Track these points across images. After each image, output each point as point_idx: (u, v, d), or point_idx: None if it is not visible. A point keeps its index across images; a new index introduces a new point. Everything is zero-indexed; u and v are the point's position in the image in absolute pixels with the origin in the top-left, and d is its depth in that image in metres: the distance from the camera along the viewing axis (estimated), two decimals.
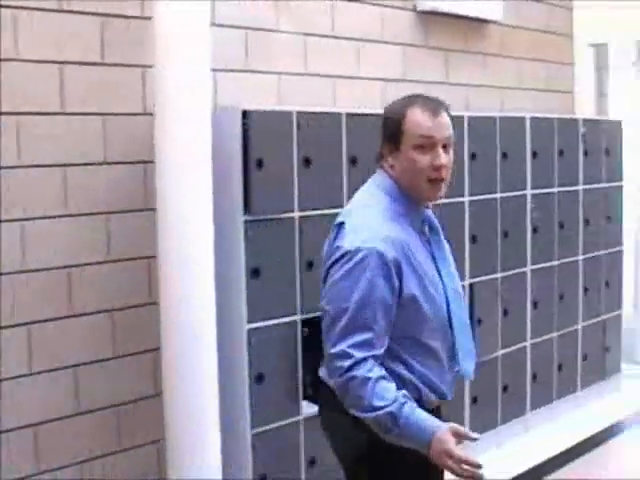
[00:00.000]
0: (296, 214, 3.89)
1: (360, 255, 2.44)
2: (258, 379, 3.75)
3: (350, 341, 2.42)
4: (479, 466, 2.32)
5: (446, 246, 2.73)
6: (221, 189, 3.62)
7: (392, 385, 2.42)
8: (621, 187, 6.18)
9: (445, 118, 2.57)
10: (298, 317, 3.90)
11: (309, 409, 3.91)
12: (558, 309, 5.57)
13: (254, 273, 3.73)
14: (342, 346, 2.42)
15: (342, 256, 2.47)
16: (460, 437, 2.37)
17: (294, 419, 3.92)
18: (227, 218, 3.69)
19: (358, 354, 2.40)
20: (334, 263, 2.50)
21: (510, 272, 5.16)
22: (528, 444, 5.22)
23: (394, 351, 2.52)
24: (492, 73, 5.99)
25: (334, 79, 4.83)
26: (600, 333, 6.04)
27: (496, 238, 5.06)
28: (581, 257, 5.75)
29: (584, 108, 6.69)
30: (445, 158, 2.54)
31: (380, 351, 2.45)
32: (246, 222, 3.70)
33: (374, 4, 5.08)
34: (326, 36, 4.81)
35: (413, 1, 5.32)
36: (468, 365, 2.70)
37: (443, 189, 2.58)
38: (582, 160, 5.73)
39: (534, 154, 5.28)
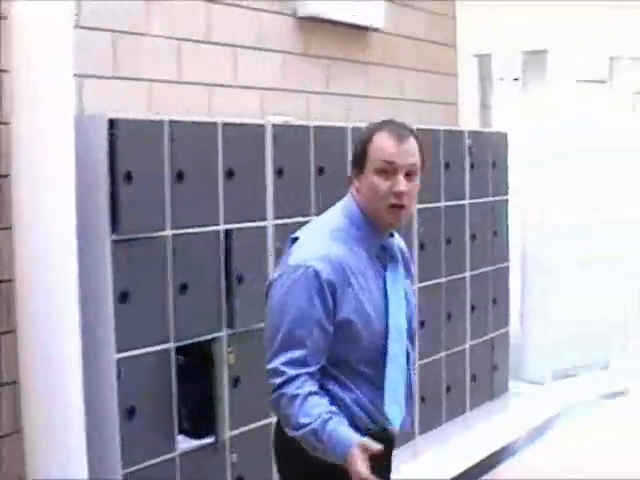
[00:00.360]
0: (169, 232, 3.67)
1: (298, 272, 2.48)
2: (129, 413, 3.51)
3: (283, 358, 2.45)
4: None
5: (406, 281, 2.72)
6: (86, 205, 3.38)
7: (322, 401, 2.45)
8: (507, 201, 6.17)
9: (411, 145, 2.58)
10: (172, 344, 3.68)
11: (185, 444, 3.70)
12: (446, 328, 5.50)
13: (123, 297, 3.50)
14: (275, 363, 2.46)
15: (283, 272, 2.53)
16: (369, 450, 2.34)
17: (169, 456, 3.70)
18: (93, 237, 3.46)
19: (290, 371, 2.44)
20: (275, 279, 2.55)
21: None
22: (417, 471, 5.11)
23: (329, 370, 2.54)
24: (374, 83, 5.90)
25: (210, 87, 4.64)
26: (488, 352, 6.01)
27: None
28: (468, 274, 5.70)
29: (468, 120, 6.67)
30: (405, 185, 2.54)
31: (314, 368, 2.47)
32: (114, 242, 3.47)
33: (252, 8, 4.91)
34: (201, 41, 4.61)
35: (293, 6, 5.17)
36: (393, 411, 2.63)
37: (403, 216, 2.59)
38: (468, 173, 5.68)
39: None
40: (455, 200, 5.55)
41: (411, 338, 2.71)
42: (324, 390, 2.49)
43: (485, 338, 5.95)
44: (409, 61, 6.24)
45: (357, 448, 2.34)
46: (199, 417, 3.86)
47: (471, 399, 5.81)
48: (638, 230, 7.28)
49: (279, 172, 4.22)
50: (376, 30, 5.81)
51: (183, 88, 4.48)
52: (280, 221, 4.21)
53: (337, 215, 2.64)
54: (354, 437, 2.38)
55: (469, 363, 5.77)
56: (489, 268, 5.93)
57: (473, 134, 5.77)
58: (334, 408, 2.45)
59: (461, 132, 5.72)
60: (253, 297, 4.00)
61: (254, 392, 3.99)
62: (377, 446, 2.35)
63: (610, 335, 7.22)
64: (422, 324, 5.24)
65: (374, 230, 2.61)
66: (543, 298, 6.69)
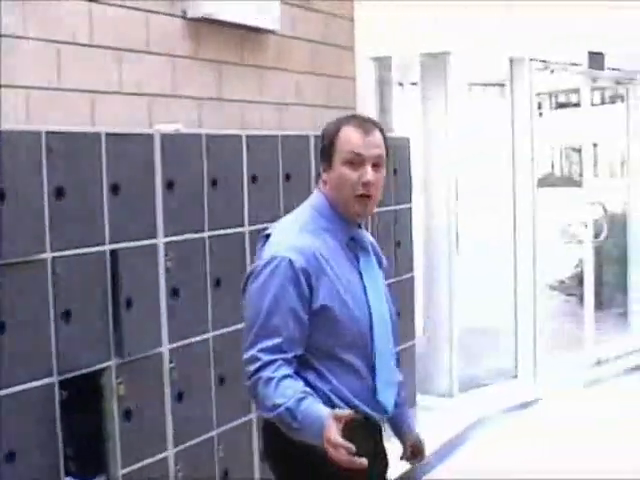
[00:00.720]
0: (49, 255, 3.36)
1: (272, 264, 2.60)
2: (8, 457, 3.19)
3: (259, 346, 2.55)
4: (351, 450, 2.34)
5: (379, 272, 2.85)
6: None
7: (297, 383, 2.53)
8: (410, 209, 6.03)
9: (377, 137, 2.72)
10: (55, 378, 3.37)
11: None
12: None
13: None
14: (252, 351, 2.56)
15: (257, 266, 2.65)
16: (340, 419, 2.40)
17: None
18: None
19: (265, 357, 2.54)
20: (252, 272, 2.67)
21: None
22: None
23: (308, 360, 2.63)
24: (269, 88, 5.70)
25: (92, 94, 4.35)
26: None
27: None
28: None
29: None
30: (373, 175, 2.67)
31: (290, 355, 2.57)
32: None
33: (138, 9, 4.64)
34: (83, 45, 4.33)
35: (183, 7, 4.92)
36: (387, 397, 2.74)
37: (370, 205, 2.73)
38: None
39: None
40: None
41: (392, 323, 2.81)
42: (301, 377, 2.57)
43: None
44: (306, 64, 6.06)
45: (329, 419, 2.39)
46: (88, 456, 3.57)
47: None
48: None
49: (169, 185, 3.96)
50: (271, 32, 5.61)
51: (63, 95, 4.19)
52: (172, 238, 3.95)
53: (306, 209, 2.78)
54: (328, 411, 2.44)
55: None
56: (393, 280, 5.77)
57: None
58: (308, 389, 2.52)
59: None
60: (143, 322, 3.74)
61: (148, 425, 3.74)
62: (347, 412, 2.44)
63: (518, 343, 7.15)
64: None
65: (343, 221, 2.74)
66: (449, 307, 6.57)
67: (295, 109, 5.92)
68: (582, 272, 7.91)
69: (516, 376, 7.15)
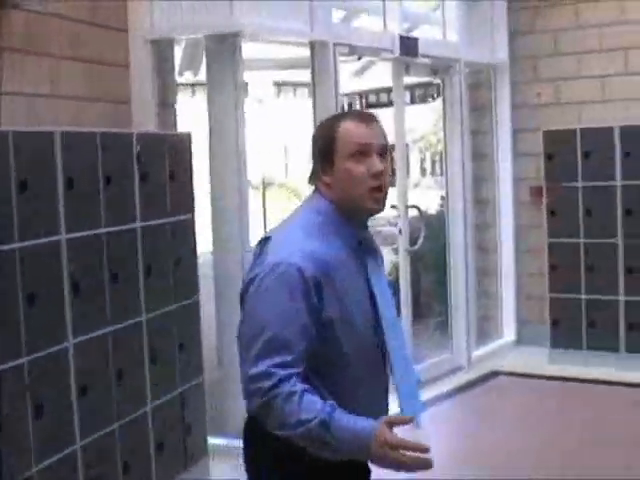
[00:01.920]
0: None
1: (278, 271, 2.48)
2: None
3: (270, 361, 2.43)
4: (426, 450, 2.33)
5: (384, 273, 2.82)
6: None
7: (317, 398, 2.43)
8: (192, 220, 5.20)
9: (379, 127, 2.68)
10: None
11: None
12: (116, 391, 4.45)
13: None
14: (262, 367, 2.43)
15: (260, 272, 2.52)
16: (396, 424, 2.39)
17: None
18: None
19: (281, 372, 2.42)
20: (253, 279, 2.54)
21: (40, 353, 3.93)
22: None
23: (311, 380, 2.51)
24: (15, 75, 4.76)
25: None
26: (178, 410, 5.02)
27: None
28: (144, 317, 4.68)
29: (144, 121, 5.64)
30: (382, 165, 2.61)
31: (301, 369, 2.46)
32: None
33: None
34: None
35: None
36: (410, 406, 2.69)
37: (384, 200, 2.66)
38: (139, 188, 4.67)
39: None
40: (121, 224, 4.52)
41: None
42: None
43: (173, 395, 4.96)
44: (64, 48, 5.13)
45: (382, 424, 2.36)
46: None
47: (159, 473, 4.79)
48: None
49: None
50: (15, 7, 4.68)
51: None
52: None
53: (308, 214, 2.67)
54: (371, 421, 2.39)
55: (153, 429, 4.76)
56: (172, 307, 4.95)
57: (143, 138, 4.75)
58: (333, 402, 2.44)
59: (128, 135, 4.69)
60: None
61: None
62: (400, 417, 2.48)
63: None
64: (83, 391, 4.19)
65: (350, 224, 2.66)
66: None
67: (49, 102, 5.00)
68: (397, 281, 7.28)
69: None
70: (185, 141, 5.21)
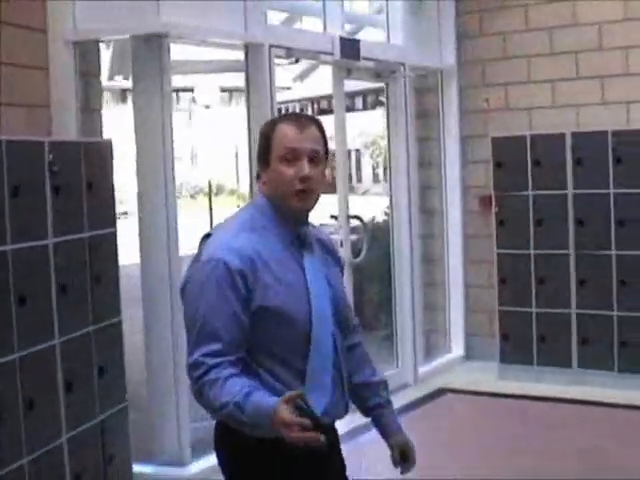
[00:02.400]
0: None
1: (209, 267, 2.68)
2: None
3: (202, 351, 2.62)
4: (306, 424, 2.44)
5: (334, 269, 2.97)
6: None
7: (243, 380, 2.59)
8: (114, 234, 4.89)
9: (313, 132, 2.82)
10: None
11: None
12: (27, 421, 4.12)
13: None
14: (195, 356, 2.63)
15: (195, 269, 2.73)
16: (293, 400, 2.50)
17: None
18: None
19: (210, 361, 2.60)
20: (189, 277, 2.75)
21: None
22: None
23: (249, 362, 2.70)
24: None
25: None
26: (98, 440, 4.71)
27: None
28: (57, 340, 4.37)
29: (64, 127, 5.32)
30: (310, 170, 2.76)
31: (233, 357, 2.64)
32: None
33: None
34: None
35: None
36: (314, 397, 2.73)
37: (309, 200, 2.81)
38: (51, 200, 4.35)
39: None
40: (30, 240, 4.20)
41: (339, 323, 2.88)
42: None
43: (92, 423, 4.65)
44: None
45: (280, 403, 2.48)
46: None
47: None
48: None
49: None
50: None
51: None
52: None
53: (246, 210, 2.90)
54: (275, 399, 2.52)
55: (69, 461, 4.44)
56: (90, 328, 4.63)
57: (57, 145, 4.44)
58: (254, 383, 2.62)
59: (39, 143, 4.38)
60: None
61: None
62: (295, 392, 2.54)
63: None
64: None
65: (285, 219, 2.81)
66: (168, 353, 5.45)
67: None
68: None
69: None
70: (105, 149, 4.91)
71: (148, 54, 5.46)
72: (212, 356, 2.60)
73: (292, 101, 35.48)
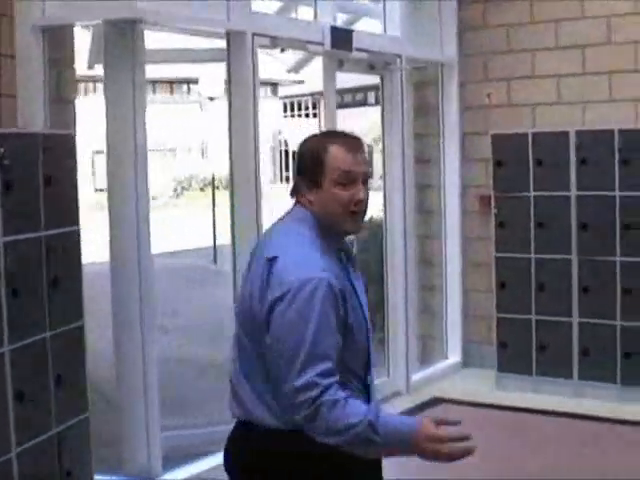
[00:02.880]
0: None
1: (309, 287, 2.66)
2: None
3: (314, 372, 2.62)
4: (467, 438, 2.61)
5: (361, 280, 3.02)
6: None
7: (360, 402, 2.69)
8: (77, 232, 4.62)
9: (363, 154, 2.89)
10: None
11: None
12: None
13: None
14: (306, 377, 2.61)
15: (288, 290, 2.67)
16: (441, 424, 2.63)
17: None
18: None
19: (324, 382, 2.62)
20: (279, 299, 2.68)
21: None
22: None
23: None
24: None
25: None
26: (54, 453, 4.45)
27: None
28: (7, 348, 4.09)
29: (32, 118, 5.05)
30: (364, 193, 2.85)
31: (338, 377, 2.67)
32: None
33: None
34: None
35: None
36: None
37: (362, 221, 2.91)
38: (2, 198, 4.08)
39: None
40: None
41: None
42: None
43: (47, 435, 4.37)
44: None
45: (427, 419, 2.63)
46: None
47: None
48: None
49: None
50: None
51: None
52: None
53: (301, 228, 2.84)
54: (412, 419, 2.71)
55: (19, 478, 4.17)
56: (47, 334, 4.36)
57: (8, 138, 4.17)
58: (374, 403, 2.77)
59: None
60: None
61: None
62: (440, 417, 2.68)
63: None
64: None
65: (333, 237, 2.88)
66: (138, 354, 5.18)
67: None
68: None
69: None
70: (67, 142, 4.63)
71: (120, 41, 5.19)
72: (325, 376, 2.63)
73: (302, 95, 35.27)
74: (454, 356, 8.04)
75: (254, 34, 5.70)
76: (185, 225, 21.74)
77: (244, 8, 5.72)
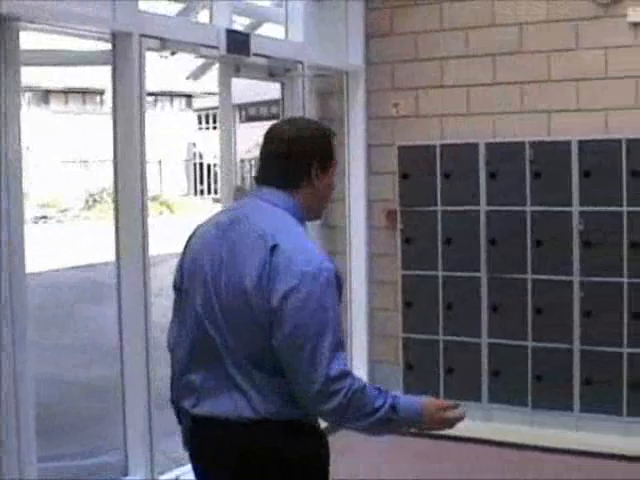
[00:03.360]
0: None
1: (324, 276, 2.77)
2: None
3: (340, 360, 2.75)
4: (458, 405, 2.94)
5: None
6: None
7: (369, 385, 2.85)
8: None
9: None
10: None
11: None
12: None
13: None
14: (338, 366, 2.73)
15: (303, 279, 2.74)
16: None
17: None
18: None
19: (347, 369, 2.77)
20: (295, 288, 2.73)
21: None
22: None
23: None
24: None
25: None
26: None
27: None
28: None
29: None
30: None
31: None
32: None
33: None
34: None
35: None
36: None
37: None
38: None
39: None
40: None
41: None
42: None
43: None
44: None
45: (428, 397, 2.97)
46: None
47: None
48: None
49: None
50: None
51: None
52: None
53: (286, 215, 2.89)
54: (417, 397, 2.95)
55: None
56: None
57: None
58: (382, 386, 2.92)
59: None
60: None
61: None
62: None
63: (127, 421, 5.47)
64: None
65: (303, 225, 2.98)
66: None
67: None
68: None
69: (126, 473, 5.42)
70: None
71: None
72: (346, 364, 2.77)
73: (217, 107, 34.83)
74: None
75: (142, 35, 5.34)
76: (94, 237, 21.32)
77: (131, 7, 5.36)
